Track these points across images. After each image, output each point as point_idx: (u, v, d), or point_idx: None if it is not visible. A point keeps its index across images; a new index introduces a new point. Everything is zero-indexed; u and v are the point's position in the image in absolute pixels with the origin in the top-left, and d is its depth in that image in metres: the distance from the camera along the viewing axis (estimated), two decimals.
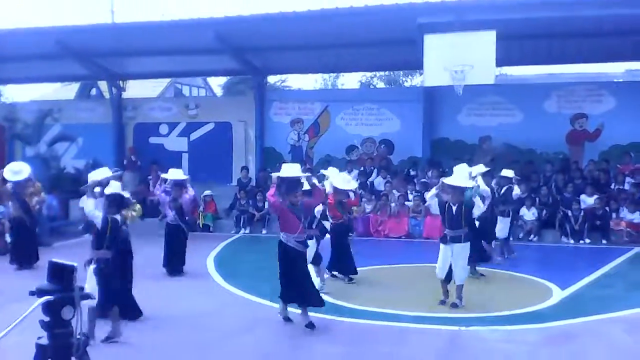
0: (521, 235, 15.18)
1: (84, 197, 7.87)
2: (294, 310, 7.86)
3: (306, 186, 7.90)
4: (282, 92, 25.57)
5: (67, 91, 30.09)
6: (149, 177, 18.29)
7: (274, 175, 7.96)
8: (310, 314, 7.69)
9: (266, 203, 10.15)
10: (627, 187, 15.79)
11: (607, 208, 15.19)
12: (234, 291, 9.75)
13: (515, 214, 15.11)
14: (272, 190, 7.71)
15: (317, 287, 8.99)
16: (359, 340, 7.12)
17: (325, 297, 8.32)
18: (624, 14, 13.58)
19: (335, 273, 10.31)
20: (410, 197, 16.21)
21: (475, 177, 9.66)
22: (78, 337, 3.69)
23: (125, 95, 20.95)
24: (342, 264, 10.21)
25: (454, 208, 8.64)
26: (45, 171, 17.81)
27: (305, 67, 20.44)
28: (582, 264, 12.43)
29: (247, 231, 16.60)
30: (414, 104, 18.21)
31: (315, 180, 8.27)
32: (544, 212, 15.44)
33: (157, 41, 17.12)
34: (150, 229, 13.84)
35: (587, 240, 14.91)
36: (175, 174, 11.40)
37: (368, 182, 17.20)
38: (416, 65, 16.36)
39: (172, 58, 18.49)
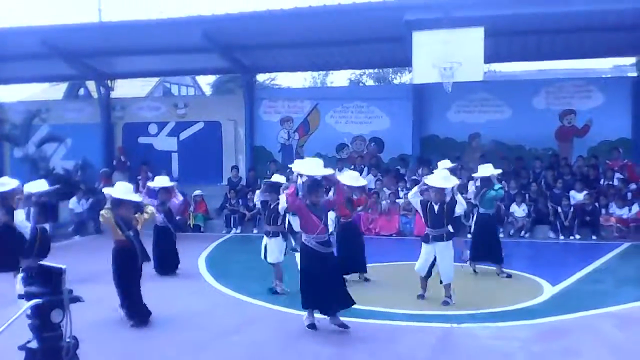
0: (512, 232, 15.25)
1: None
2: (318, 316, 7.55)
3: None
4: (271, 91, 25.52)
5: (55, 91, 29.93)
6: (139, 178, 18.19)
7: (295, 171, 7.56)
8: (299, 312, 7.65)
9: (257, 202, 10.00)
10: (616, 182, 15.87)
11: (596, 204, 15.27)
12: (225, 291, 9.71)
13: (506, 211, 15.26)
14: (291, 189, 7.42)
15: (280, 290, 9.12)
16: (351, 339, 7.09)
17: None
18: (611, 10, 13.66)
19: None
20: (401, 194, 16.22)
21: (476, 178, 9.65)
22: (67, 340, 3.66)
23: (113, 94, 20.88)
24: (357, 263, 9.88)
25: (436, 207, 8.65)
26: (34, 173, 17.69)
27: (294, 65, 20.40)
28: (572, 260, 12.47)
29: (238, 231, 16.57)
30: (403, 101, 18.24)
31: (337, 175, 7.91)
32: (532, 208, 15.50)
33: (145, 40, 17.05)
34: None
35: (577, 236, 15.00)
36: (161, 181, 11.46)
37: None
38: (405, 62, 16.40)
39: (160, 57, 18.44)
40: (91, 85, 23.45)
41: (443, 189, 8.65)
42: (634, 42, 16.22)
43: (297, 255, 8.02)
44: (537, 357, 6.58)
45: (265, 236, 9.42)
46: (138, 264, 7.70)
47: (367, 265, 10.17)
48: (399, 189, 16.58)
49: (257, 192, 9.99)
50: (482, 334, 7.30)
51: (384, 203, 15.96)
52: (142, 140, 20.39)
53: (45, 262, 3.71)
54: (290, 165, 8.17)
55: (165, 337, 7.32)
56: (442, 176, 8.64)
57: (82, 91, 28.07)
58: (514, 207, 15.31)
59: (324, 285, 7.17)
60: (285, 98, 19.93)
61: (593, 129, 17.30)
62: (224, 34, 16.66)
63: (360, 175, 17.26)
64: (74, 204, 16.89)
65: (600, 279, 10.43)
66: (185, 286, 10.10)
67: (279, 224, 9.28)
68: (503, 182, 12.07)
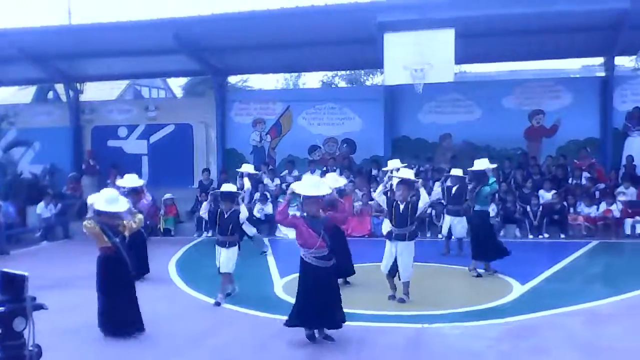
0: None
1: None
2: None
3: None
4: (243, 93, 25.34)
5: (23, 95, 29.43)
6: (108, 182, 17.98)
7: (291, 188, 7.23)
8: (271, 316, 7.60)
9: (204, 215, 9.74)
10: (584, 181, 16.09)
11: (564, 203, 15.46)
12: (197, 295, 9.65)
13: None
14: (282, 206, 7.11)
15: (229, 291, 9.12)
16: (323, 342, 7.09)
17: (288, 298, 8.26)
18: (580, 11, 13.88)
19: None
20: (374, 195, 16.24)
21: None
22: (30, 349, 3.59)
23: (83, 97, 20.62)
24: (346, 268, 9.75)
25: (402, 206, 8.72)
26: (1, 177, 17.43)
27: (266, 67, 20.35)
28: (541, 259, 12.59)
29: (209, 234, 16.43)
30: (375, 103, 18.30)
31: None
32: (500, 207, 15.63)
33: (115, 42, 16.86)
34: None
35: (546, 235, 15.17)
36: (130, 180, 11.23)
37: None
38: (377, 64, 16.44)
39: (130, 59, 18.25)
40: (60, 88, 23.13)
41: (410, 188, 8.72)
42: (602, 43, 16.47)
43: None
44: (506, 356, 6.64)
45: (218, 246, 9.11)
46: (125, 272, 7.50)
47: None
48: (371, 190, 16.59)
49: (204, 204, 9.58)
50: (452, 334, 7.36)
51: (357, 205, 15.98)
52: (111, 143, 20.18)
53: (7, 269, 3.62)
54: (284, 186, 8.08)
55: (136, 343, 7.25)
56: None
57: (51, 94, 27.72)
58: None
59: (319, 302, 6.91)
60: (257, 100, 19.85)
61: (562, 128, 17.52)
62: (194, 36, 16.56)
63: None
64: (42, 209, 16.63)
65: (568, 278, 10.56)
66: (155, 291, 9.97)
67: (235, 233, 9.10)
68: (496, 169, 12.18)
